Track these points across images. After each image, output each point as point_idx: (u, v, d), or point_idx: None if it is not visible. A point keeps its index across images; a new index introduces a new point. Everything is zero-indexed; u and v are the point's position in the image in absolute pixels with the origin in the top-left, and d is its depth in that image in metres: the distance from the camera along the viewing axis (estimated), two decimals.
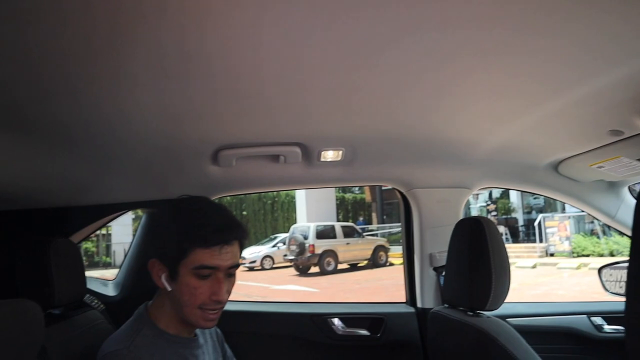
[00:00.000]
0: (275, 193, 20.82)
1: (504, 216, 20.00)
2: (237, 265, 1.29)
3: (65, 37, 0.87)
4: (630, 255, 0.65)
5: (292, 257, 15.33)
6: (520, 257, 15.54)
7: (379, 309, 2.38)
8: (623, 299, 0.66)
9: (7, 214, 1.94)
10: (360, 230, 17.51)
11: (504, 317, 1.56)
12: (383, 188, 21.82)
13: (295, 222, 19.60)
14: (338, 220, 20.52)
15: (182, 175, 1.96)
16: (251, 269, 15.61)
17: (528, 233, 18.89)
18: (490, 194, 20.43)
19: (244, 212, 21.44)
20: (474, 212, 18.53)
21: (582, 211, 2.50)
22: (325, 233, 15.91)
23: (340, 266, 15.74)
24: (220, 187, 2.12)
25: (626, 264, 0.65)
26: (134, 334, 1.23)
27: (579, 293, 10.09)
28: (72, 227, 2.12)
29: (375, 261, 16.51)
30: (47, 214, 2.02)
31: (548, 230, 16.15)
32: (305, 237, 15.39)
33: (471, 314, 1.57)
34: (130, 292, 2.25)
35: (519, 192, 19.78)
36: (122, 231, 17.39)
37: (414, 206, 2.29)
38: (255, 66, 1.07)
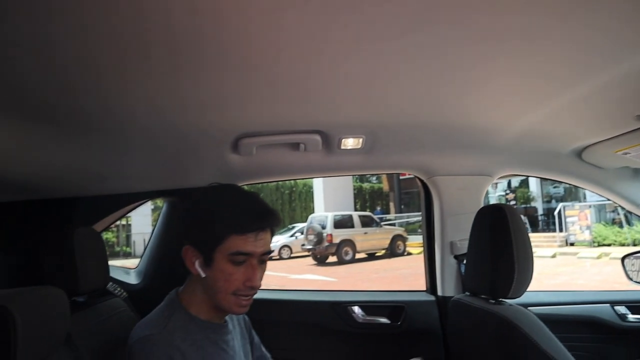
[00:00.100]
0: (292, 183, 20.87)
1: (523, 205, 19.77)
2: (270, 252, 1.31)
3: (89, 28, 0.87)
4: None
5: (310, 247, 15.35)
6: (539, 246, 15.35)
7: (399, 297, 2.37)
8: None
9: (32, 204, 1.98)
10: (378, 220, 17.45)
11: (525, 306, 1.54)
12: (401, 177, 21.78)
13: (313, 212, 19.60)
14: (355, 210, 20.47)
15: (202, 164, 1.97)
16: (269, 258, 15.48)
17: (548, 222, 18.65)
18: (509, 183, 20.21)
19: None
20: (493, 201, 18.35)
21: (604, 200, 2.46)
22: (343, 222, 15.89)
23: (358, 255, 15.71)
24: (241, 175, 2.12)
25: None
26: (166, 319, 1.25)
27: (600, 283, 9.92)
28: (95, 216, 2.15)
29: (393, 250, 16.46)
30: (70, 203, 2.05)
31: (568, 220, 15.93)
32: (323, 227, 15.39)
33: (493, 302, 1.56)
34: (152, 280, 2.28)
35: (539, 181, 19.60)
36: (142, 221, 17.58)
37: (435, 194, 2.27)
38: (275, 54, 1.06)
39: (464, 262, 2.14)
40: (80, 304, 1.69)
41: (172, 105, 1.34)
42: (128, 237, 19.50)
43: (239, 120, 1.55)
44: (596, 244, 15.01)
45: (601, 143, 1.90)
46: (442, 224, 2.25)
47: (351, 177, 21.86)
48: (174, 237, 2.30)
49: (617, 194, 2.33)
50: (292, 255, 16.17)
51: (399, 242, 16.72)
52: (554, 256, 14.28)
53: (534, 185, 20.22)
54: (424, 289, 2.43)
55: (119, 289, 2.07)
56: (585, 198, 17.02)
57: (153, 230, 2.41)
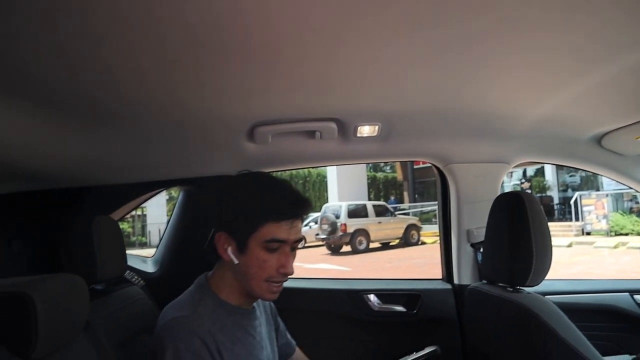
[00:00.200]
0: (306, 172, 20.86)
1: (538, 194, 19.56)
2: (301, 240, 1.32)
3: (104, 19, 0.87)
4: None
5: (324, 236, 15.37)
6: (555, 235, 15.06)
7: (415, 285, 2.37)
8: None
9: (52, 193, 2.00)
10: (391, 209, 17.42)
11: (543, 294, 1.53)
12: (415, 167, 21.69)
13: (326, 201, 19.61)
14: (369, 199, 20.44)
15: (218, 152, 1.97)
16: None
17: (563, 211, 18.46)
18: (524, 172, 20.03)
19: None
20: (508, 191, 18.18)
21: (621, 188, 2.43)
22: (357, 212, 15.89)
23: (372, 245, 15.71)
24: (256, 163, 2.12)
25: None
26: (196, 302, 1.26)
27: (617, 272, 9.81)
28: (112, 205, 2.17)
29: (407, 240, 16.42)
30: (88, 192, 2.07)
31: (585, 209, 15.73)
32: (337, 216, 15.40)
33: (511, 290, 1.54)
34: (169, 268, 2.30)
35: (554, 170, 19.39)
36: (157, 212, 17.75)
37: (451, 182, 2.26)
38: (292, 42, 1.06)
39: (481, 250, 2.13)
40: (98, 291, 1.71)
41: (188, 94, 1.34)
42: (143, 227, 19.71)
43: (254, 108, 1.55)
44: (613, 233, 14.82)
45: (622, 129, 1.87)
46: (459, 212, 2.24)
47: (365, 166, 21.84)
48: (190, 226, 2.32)
49: (637, 181, 2.29)
50: (306, 244, 16.20)
51: (413, 232, 16.67)
52: (570, 245, 14.14)
53: (549, 174, 20.03)
54: (439, 277, 2.42)
55: (136, 277, 2.08)
56: (602, 187, 16.80)
57: (169, 220, 2.43)
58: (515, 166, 2.37)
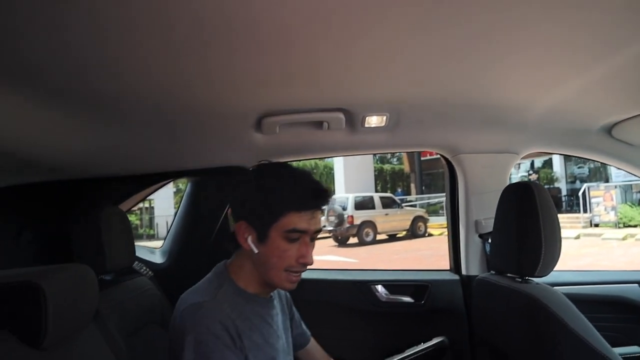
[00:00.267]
0: (313, 164, 20.85)
1: (546, 186, 19.41)
2: (320, 230, 1.33)
3: (112, 6, 0.87)
4: None
5: (331, 228, 15.37)
6: (563, 227, 14.79)
7: (422, 276, 2.37)
8: None
9: (61, 184, 2.01)
10: (399, 201, 17.41)
11: (552, 285, 1.52)
12: (422, 158, 21.63)
13: (333, 193, 19.59)
14: (376, 191, 20.44)
15: (225, 143, 1.97)
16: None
17: (571, 203, 18.38)
18: (532, 163, 19.95)
19: None
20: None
21: (630, 180, 2.41)
22: (363, 204, 15.89)
23: (378, 237, 15.73)
24: (264, 154, 2.12)
25: None
26: (215, 289, 1.27)
27: (625, 264, 9.75)
28: (120, 196, 2.17)
29: (414, 232, 16.42)
30: (97, 183, 2.08)
31: (593, 200, 15.63)
32: (344, 208, 15.40)
33: (520, 280, 1.54)
34: (177, 259, 2.31)
35: (562, 162, 19.28)
36: (165, 204, 17.83)
37: (460, 172, 2.25)
38: (299, 31, 1.05)
39: (489, 240, 2.12)
40: (107, 281, 1.72)
41: (196, 85, 1.34)
42: (151, 219, 19.83)
43: (262, 99, 1.55)
44: (622, 225, 14.74)
45: (633, 119, 1.85)
46: (467, 202, 2.23)
47: (372, 158, 21.81)
48: (198, 217, 2.33)
49: None
50: None
51: (420, 224, 16.67)
52: (577, 237, 14.07)
53: (557, 165, 19.94)
54: (447, 269, 2.42)
55: (144, 268, 2.10)
56: (611, 178, 16.69)
57: (176, 212, 2.44)
58: (523, 157, 2.36)
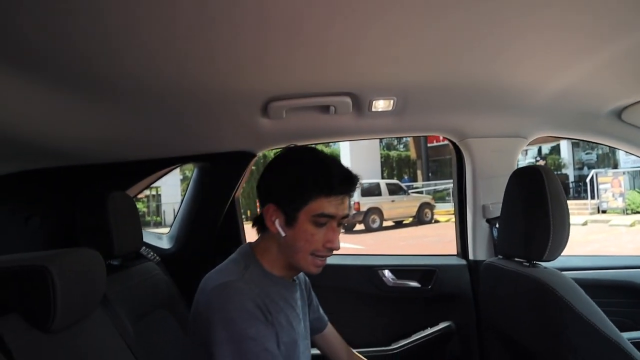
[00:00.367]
0: (320, 150, 20.86)
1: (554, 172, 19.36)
2: (348, 216, 1.34)
3: None
4: None
5: None
6: (570, 214, 14.96)
7: (429, 261, 2.37)
8: None
9: (69, 169, 2.01)
10: (405, 188, 17.40)
11: (560, 270, 1.51)
12: (429, 145, 21.56)
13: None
14: (383, 178, 20.43)
15: (232, 128, 1.96)
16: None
17: (579, 190, 18.29)
18: (539, 150, 19.85)
19: None
20: None
21: (638, 166, 2.38)
22: (370, 190, 15.87)
23: (385, 223, 15.76)
24: (271, 139, 2.11)
25: None
26: (242, 270, 1.26)
27: (633, 250, 9.72)
28: (127, 181, 2.18)
29: (421, 218, 16.44)
30: (104, 169, 2.08)
31: (601, 187, 15.53)
32: (351, 195, 15.40)
33: (527, 264, 1.53)
34: (184, 244, 2.31)
35: (570, 148, 19.15)
36: (171, 191, 17.93)
37: (467, 156, 2.24)
38: (306, 14, 1.04)
39: (496, 225, 2.12)
40: (115, 266, 1.73)
41: (202, 69, 1.33)
42: (158, 207, 19.94)
43: (269, 83, 1.53)
44: (630, 211, 14.66)
45: None
46: (474, 187, 2.22)
47: (378, 144, 21.76)
48: (205, 202, 2.33)
49: None
50: None
51: (427, 210, 16.68)
52: (585, 224, 14.01)
53: (565, 151, 19.82)
54: (454, 254, 2.42)
55: (152, 253, 2.10)
56: (619, 164, 16.57)
57: (183, 197, 2.44)
58: (531, 143, 2.34)
